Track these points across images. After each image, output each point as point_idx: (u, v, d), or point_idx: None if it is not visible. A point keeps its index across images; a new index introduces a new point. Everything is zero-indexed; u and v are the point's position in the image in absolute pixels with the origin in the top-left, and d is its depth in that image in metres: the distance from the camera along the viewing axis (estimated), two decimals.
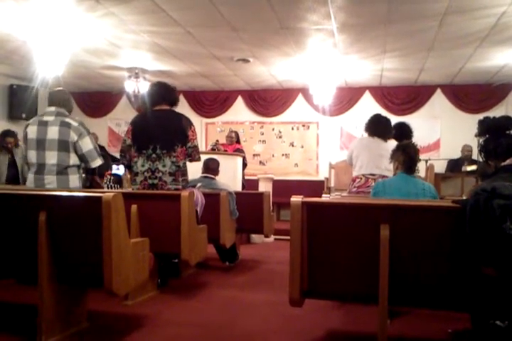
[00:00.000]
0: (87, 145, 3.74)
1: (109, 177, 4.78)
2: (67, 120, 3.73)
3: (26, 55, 6.32)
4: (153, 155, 3.63)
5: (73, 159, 3.73)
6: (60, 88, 3.98)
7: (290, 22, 5.34)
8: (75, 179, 3.75)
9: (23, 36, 5.78)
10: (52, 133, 3.66)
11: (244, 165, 7.07)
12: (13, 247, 2.62)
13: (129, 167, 3.81)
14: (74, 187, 3.74)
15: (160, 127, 3.65)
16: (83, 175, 3.89)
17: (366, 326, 2.86)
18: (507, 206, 1.85)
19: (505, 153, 2.29)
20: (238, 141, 7.76)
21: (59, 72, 5.92)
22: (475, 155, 7.40)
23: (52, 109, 3.77)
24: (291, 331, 2.84)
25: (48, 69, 5.77)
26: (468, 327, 2.55)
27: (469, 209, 1.96)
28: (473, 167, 6.21)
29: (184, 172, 3.72)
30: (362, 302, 2.86)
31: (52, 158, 3.66)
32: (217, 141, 7.71)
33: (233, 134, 7.79)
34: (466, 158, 7.70)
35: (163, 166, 3.62)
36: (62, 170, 3.68)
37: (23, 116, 8.26)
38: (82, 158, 3.75)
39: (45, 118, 3.73)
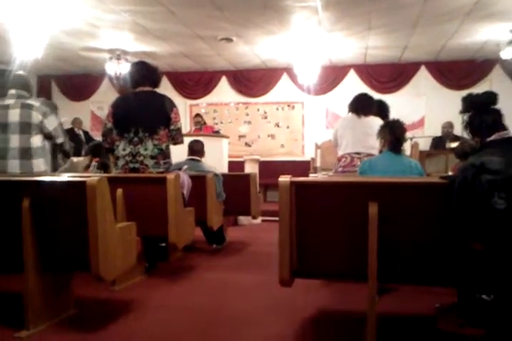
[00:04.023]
0: (52, 122, 3.65)
1: (94, 163, 4.67)
2: (29, 101, 3.60)
3: (3, 38, 6.14)
4: (135, 139, 3.56)
5: (36, 141, 3.58)
6: (21, 72, 3.86)
7: None
8: (39, 163, 3.60)
9: None
10: (14, 116, 3.55)
11: None
12: None
13: (111, 151, 3.74)
14: (39, 171, 3.63)
15: (142, 109, 3.56)
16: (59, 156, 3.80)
17: (355, 304, 2.88)
18: (495, 181, 1.85)
19: (490, 128, 2.29)
20: (205, 123, 8.13)
21: (38, 55, 5.77)
22: (457, 132, 7.46)
23: (13, 91, 3.65)
24: (281, 311, 2.85)
25: (27, 51, 5.61)
26: (454, 302, 2.59)
27: (457, 185, 1.96)
28: (457, 143, 6.24)
29: (166, 155, 3.65)
30: (352, 280, 2.87)
31: (14, 141, 3.54)
32: (205, 123, 7.93)
33: (199, 118, 8.06)
34: (447, 135, 7.76)
35: (145, 149, 3.55)
36: (25, 154, 3.57)
37: None
38: (49, 135, 3.64)
39: (6, 101, 3.62)
